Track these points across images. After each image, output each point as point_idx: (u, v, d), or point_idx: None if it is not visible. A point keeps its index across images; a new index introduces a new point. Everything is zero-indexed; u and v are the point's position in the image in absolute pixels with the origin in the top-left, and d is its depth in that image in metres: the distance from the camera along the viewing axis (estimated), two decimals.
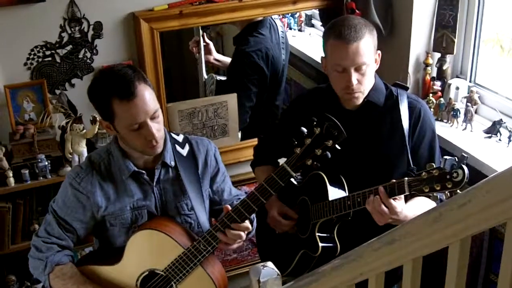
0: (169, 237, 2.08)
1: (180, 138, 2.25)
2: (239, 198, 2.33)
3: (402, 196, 2.03)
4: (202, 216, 2.21)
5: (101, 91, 2.00)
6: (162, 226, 2.12)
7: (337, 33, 2.14)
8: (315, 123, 1.87)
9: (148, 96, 1.98)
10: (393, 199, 2.01)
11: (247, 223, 2.06)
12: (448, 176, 1.84)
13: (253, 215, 2.19)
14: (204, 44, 3.50)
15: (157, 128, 2.02)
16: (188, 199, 2.19)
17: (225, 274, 2.22)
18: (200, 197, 2.21)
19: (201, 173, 2.24)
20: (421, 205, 2.12)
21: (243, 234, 2.06)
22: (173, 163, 2.17)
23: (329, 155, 1.88)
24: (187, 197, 2.19)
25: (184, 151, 2.22)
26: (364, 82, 2.18)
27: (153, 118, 2.00)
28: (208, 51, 3.54)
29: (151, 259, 2.12)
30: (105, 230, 2.18)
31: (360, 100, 2.23)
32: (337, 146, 1.86)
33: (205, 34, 3.51)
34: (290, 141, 1.91)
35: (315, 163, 1.89)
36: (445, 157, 1.86)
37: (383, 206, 2.01)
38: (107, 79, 2.01)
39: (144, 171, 2.14)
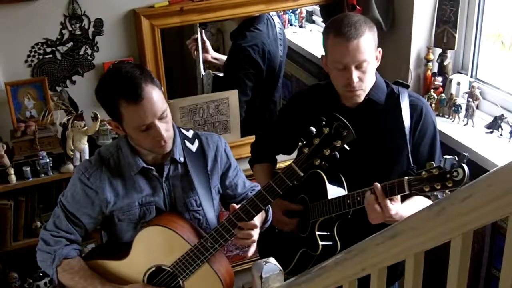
0: (177, 234, 2.08)
1: (189, 133, 2.24)
2: (254, 189, 2.33)
3: (399, 197, 2.02)
4: (210, 212, 2.21)
5: (108, 93, 1.99)
6: (170, 222, 2.12)
7: (337, 30, 2.13)
8: (324, 122, 1.85)
9: (156, 97, 1.96)
10: (390, 200, 2.00)
11: (254, 221, 2.05)
12: (448, 175, 1.84)
13: (268, 207, 2.19)
14: (202, 42, 3.51)
15: (166, 128, 2.01)
16: (196, 195, 2.19)
17: (232, 271, 2.22)
18: (209, 193, 2.21)
19: (210, 169, 2.23)
20: (417, 205, 2.10)
21: (253, 233, 2.06)
22: (182, 159, 2.16)
23: (338, 155, 1.86)
24: (195, 193, 2.18)
25: (194, 147, 2.21)
26: (365, 79, 2.17)
27: (161, 118, 1.98)
28: (205, 50, 3.55)
29: (159, 255, 2.12)
30: (113, 225, 2.19)
31: (362, 98, 2.22)
32: (346, 146, 1.85)
33: (203, 31, 3.52)
34: (298, 140, 1.90)
35: (323, 163, 1.87)
36: (445, 156, 1.86)
37: (376, 205, 2.01)
38: (114, 80, 1.99)
39: (153, 167, 2.13)
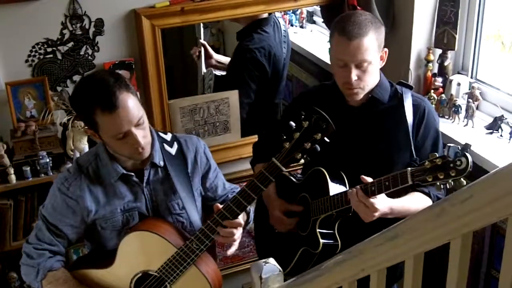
0: (161, 238, 2.07)
1: (168, 137, 2.23)
2: (234, 191, 2.33)
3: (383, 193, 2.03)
4: (194, 214, 2.21)
5: (82, 102, 1.98)
6: (154, 226, 2.11)
7: (341, 28, 2.14)
8: (303, 116, 1.87)
9: (131, 105, 1.94)
10: (372, 196, 2.01)
11: (239, 220, 2.06)
12: (451, 164, 1.83)
13: (250, 208, 2.19)
14: (205, 50, 3.54)
15: (143, 134, 2.00)
16: (178, 199, 2.18)
17: (219, 272, 2.22)
18: (191, 195, 2.21)
19: (191, 171, 2.22)
20: (413, 200, 2.12)
21: (236, 231, 2.06)
22: (162, 163, 2.15)
23: (319, 148, 1.87)
24: (177, 196, 2.18)
25: (173, 150, 2.20)
26: (365, 79, 2.17)
27: (137, 125, 1.97)
28: (209, 56, 3.56)
29: (144, 260, 2.11)
30: (96, 233, 2.17)
31: (360, 96, 2.23)
32: (326, 138, 1.86)
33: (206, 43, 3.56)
34: (279, 136, 1.91)
35: (304, 156, 1.88)
36: (449, 144, 1.85)
37: (359, 202, 2.02)
38: (88, 89, 1.97)
39: (133, 173, 2.12)
